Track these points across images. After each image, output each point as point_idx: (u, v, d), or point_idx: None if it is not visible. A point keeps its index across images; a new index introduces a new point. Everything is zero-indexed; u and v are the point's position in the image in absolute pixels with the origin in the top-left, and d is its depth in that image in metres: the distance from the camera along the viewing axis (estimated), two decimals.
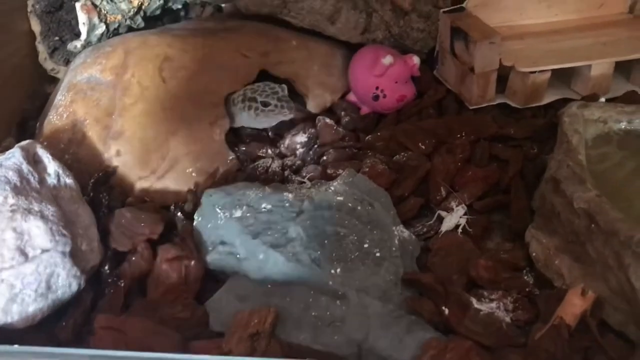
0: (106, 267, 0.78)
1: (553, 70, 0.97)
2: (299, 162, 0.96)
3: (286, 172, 0.94)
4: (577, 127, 0.83)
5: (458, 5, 1.01)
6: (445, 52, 1.03)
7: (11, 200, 0.71)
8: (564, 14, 1.06)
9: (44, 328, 0.72)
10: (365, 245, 0.76)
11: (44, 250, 0.71)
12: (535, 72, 0.96)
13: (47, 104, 1.02)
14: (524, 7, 1.05)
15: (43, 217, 0.72)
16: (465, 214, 0.84)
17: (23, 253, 0.69)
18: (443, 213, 0.85)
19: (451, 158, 0.91)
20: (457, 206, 0.85)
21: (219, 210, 0.81)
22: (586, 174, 0.76)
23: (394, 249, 0.77)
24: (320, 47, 1.05)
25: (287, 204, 0.81)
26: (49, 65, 1.12)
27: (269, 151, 0.97)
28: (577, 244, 0.74)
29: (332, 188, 0.84)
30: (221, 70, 0.95)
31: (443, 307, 0.70)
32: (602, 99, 0.95)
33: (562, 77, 1.00)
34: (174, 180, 0.90)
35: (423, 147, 0.93)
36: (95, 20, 1.04)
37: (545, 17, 1.06)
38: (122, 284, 0.76)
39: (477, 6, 1.01)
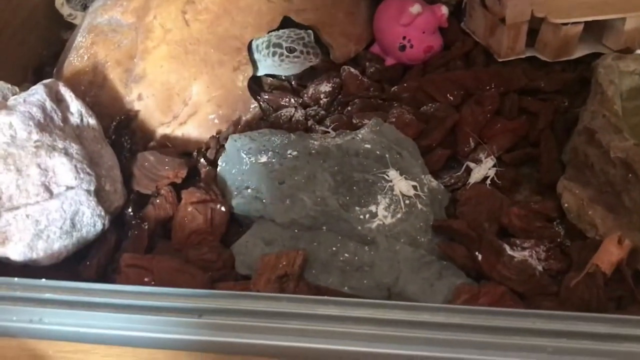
0: (129, 210, 0.77)
1: (585, 24, 0.94)
2: (322, 112, 0.94)
3: (310, 122, 0.92)
4: (612, 77, 0.81)
5: None
6: (474, 3, 1.00)
7: (35, 136, 0.69)
8: None
9: (67, 267, 0.71)
10: (394, 192, 0.75)
11: (68, 188, 0.69)
12: (567, 24, 0.93)
13: (64, 49, 1.00)
14: None
15: (67, 154, 0.70)
16: (494, 165, 0.82)
17: (48, 189, 0.68)
18: (471, 164, 0.83)
19: (480, 109, 0.88)
20: (485, 158, 0.83)
21: (244, 155, 0.80)
22: (622, 123, 0.74)
23: (423, 196, 0.75)
24: None
25: (313, 151, 0.80)
26: (65, 10, 1.10)
27: (292, 100, 0.95)
28: (612, 194, 0.72)
29: (360, 136, 0.82)
30: (245, 14, 0.92)
31: (476, 253, 0.68)
32: (638, 52, 0.92)
33: (594, 31, 0.97)
34: (196, 126, 0.89)
35: (451, 98, 0.91)
36: None
37: None
38: (146, 226, 0.75)
39: None
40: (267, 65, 0.94)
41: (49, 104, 0.73)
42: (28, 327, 0.57)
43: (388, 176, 0.76)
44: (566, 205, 0.76)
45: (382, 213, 0.73)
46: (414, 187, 0.75)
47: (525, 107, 0.91)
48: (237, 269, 0.71)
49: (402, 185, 0.75)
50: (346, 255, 0.70)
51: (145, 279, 0.66)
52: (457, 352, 0.51)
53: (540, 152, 0.85)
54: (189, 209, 0.75)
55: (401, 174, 0.76)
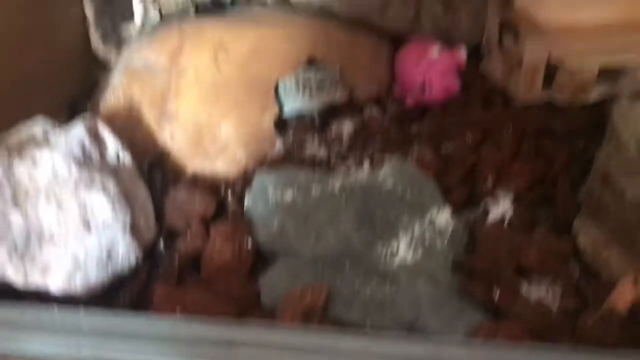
0: (161, 244, 0.81)
1: (601, 68, 0.97)
2: (345, 150, 0.97)
3: (332, 160, 0.95)
4: (627, 121, 0.83)
5: (507, 0, 1.02)
6: (492, 46, 1.03)
7: (75, 173, 0.73)
8: (615, 10, 1.06)
9: (101, 300, 0.74)
10: (416, 230, 0.78)
11: (105, 223, 0.73)
12: (584, 68, 0.96)
13: (100, 87, 1.05)
14: (574, 3, 1.05)
15: (105, 190, 0.74)
16: (511, 205, 0.85)
17: (86, 224, 0.72)
18: (490, 204, 0.86)
19: (498, 151, 0.91)
20: (503, 197, 0.86)
21: (270, 192, 0.83)
22: (637, 166, 0.77)
23: (443, 235, 0.78)
24: (367, 39, 1.07)
25: (337, 187, 0.83)
26: (100, 49, 1.14)
27: (316, 138, 0.98)
28: (626, 235, 0.74)
29: (382, 174, 0.85)
30: (273, 57, 0.96)
31: (494, 291, 0.71)
32: None
33: (610, 74, 1.00)
34: (225, 163, 0.93)
35: (469, 139, 0.94)
36: (150, 6, 1.06)
37: (595, 13, 1.05)
38: (177, 260, 0.79)
39: (526, 1, 1.01)
40: (295, 102, 0.98)
41: (88, 142, 0.77)
42: (66, 356, 0.60)
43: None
44: (581, 245, 0.78)
45: (403, 251, 0.76)
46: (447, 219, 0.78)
47: (542, 148, 0.93)
48: (263, 303, 0.74)
49: (441, 218, 0.78)
50: (368, 291, 0.73)
51: (177, 311, 0.69)
52: None
53: (556, 192, 0.88)
54: (217, 244, 0.78)
55: (422, 213, 0.79)
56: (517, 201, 0.86)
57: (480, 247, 0.79)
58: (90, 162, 0.76)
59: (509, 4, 1.01)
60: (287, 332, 0.57)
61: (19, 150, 0.73)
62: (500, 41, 1.00)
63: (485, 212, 0.86)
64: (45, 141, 0.76)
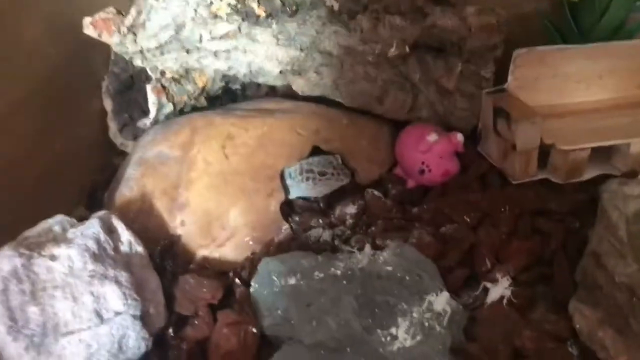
0: (170, 330, 0.84)
1: (593, 148, 1.01)
2: (348, 232, 1.01)
3: (336, 242, 0.99)
4: (616, 203, 0.86)
5: (500, 87, 1.08)
6: (487, 130, 1.08)
7: (90, 267, 0.78)
8: (603, 93, 1.11)
9: None
10: (414, 315, 0.80)
11: (117, 313, 0.77)
12: (575, 150, 1.00)
13: (116, 176, 1.11)
14: (563, 88, 1.10)
15: (117, 282, 0.79)
16: (509, 285, 0.87)
17: (99, 315, 0.76)
18: (488, 284, 0.88)
19: (495, 231, 0.95)
20: (501, 277, 0.88)
21: (275, 278, 0.87)
22: (627, 249, 0.79)
23: (441, 318, 0.80)
24: (368, 124, 1.13)
25: (338, 273, 0.86)
26: (118, 140, 1.21)
27: (320, 221, 1.03)
28: (620, 316, 0.76)
29: (382, 258, 0.88)
30: (278, 147, 1.02)
31: None
32: None
33: (602, 153, 1.03)
34: (233, 248, 0.97)
35: (468, 219, 0.97)
36: (164, 100, 1.14)
37: (584, 97, 1.11)
38: (185, 347, 0.82)
39: (518, 87, 1.07)
40: (300, 189, 1.04)
41: (102, 236, 0.82)
42: None
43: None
44: (577, 326, 0.80)
45: (402, 335, 0.78)
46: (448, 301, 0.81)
47: (539, 228, 0.96)
48: None
49: (440, 301, 0.81)
50: None
51: None
52: None
53: (553, 271, 0.90)
54: (224, 330, 0.81)
55: (421, 296, 0.82)
56: (515, 281, 0.89)
57: (478, 329, 0.82)
58: (105, 254, 0.81)
59: (502, 90, 1.07)
60: None
61: (39, 245, 0.78)
62: (494, 125, 1.05)
63: (485, 292, 0.88)
64: (63, 237, 0.81)
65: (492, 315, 0.83)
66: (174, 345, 0.82)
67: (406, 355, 0.76)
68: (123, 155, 1.20)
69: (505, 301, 0.86)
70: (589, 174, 1.03)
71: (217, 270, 0.95)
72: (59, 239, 0.80)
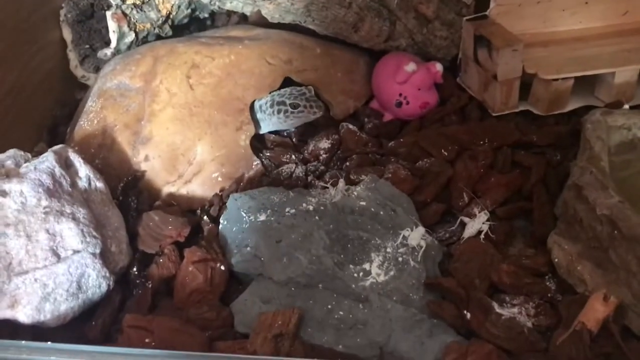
0: (134, 269, 0.81)
1: (576, 78, 0.97)
2: (322, 167, 0.97)
3: (309, 178, 0.95)
4: (599, 133, 0.83)
5: (481, 13, 1.02)
6: (468, 60, 1.03)
7: (45, 203, 0.73)
8: (588, 21, 1.06)
9: (73, 327, 0.74)
10: (388, 250, 0.77)
11: (75, 251, 0.73)
12: (558, 79, 0.96)
13: (77, 110, 1.05)
14: (548, 15, 1.05)
15: (75, 219, 0.74)
16: (487, 219, 0.84)
17: (55, 254, 0.72)
18: (465, 219, 0.85)
19: (474, 164, 0.91)
20: (479, 212, 0.86)
21: (244, 214, 0.83)
22: (609, 180, 0.77)
23: (416, 253, 0.77)
24: (343, 54, 1.07)
25: (310, 208, 0.83)
26: (79, 72, 1.15)
27: (293, 157, 0.98)
28: (599, 250, 0.74)
29: (355, 193, 0.85)
30: (247, 77, 0.96)
31: (465, 311, 0.70)
32: (626, 106, 0.95)
33: (586, 84, 1.00)
34: (200, 184, 0.92)
35: (445, 153, 0.94)
36: (125, 28, 1.07)
37: (568, 25, 1.06)
38: (150, 285, 0.78)
39: (500, 14, 1.02)
40: (271, 123, 0.98)
41: (58, 171, 0.77)
42: None
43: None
44: (556, 260, 0.78)
45: (375, 271, 0.75)
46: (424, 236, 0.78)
47: (519, 161, 0.93)
48: (236, 327, 0.74)
49: (414, 236, 0.78)
50: (341, 313, 0.72)
51: (146, 340, 0.69)
52: None
53: (533, 206, 0.87)
54: (190, 268, 0.78)
55: (395, 232, 0.79)
56: (493, 215, 0.86)
57: (455, 264, 0.79)
58: (61, 190, 0.76)
59: (483, 17, 1.01)
60: None
61: None
62: (475, 55, 1.00)
63: (462, 227, 0.85)
64: (16, 172, 0.76)
65: (468, 249, 0.81)
66: (139, 284, 0.79)
67: (379, 290, 0.73)
68: (85, 89, 1.14)
69: (482, 236, 0.83)
70: (571, 106, 0.99)
71: (184, 208, 0.91)
72: (11, 174, 0.75)
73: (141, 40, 1.09)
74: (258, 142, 1.00)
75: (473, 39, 1.00)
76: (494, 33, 0.97)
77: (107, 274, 0.75)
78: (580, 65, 0.97)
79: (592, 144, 0.82)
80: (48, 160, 0.77)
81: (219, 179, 0.93)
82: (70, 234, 0.73)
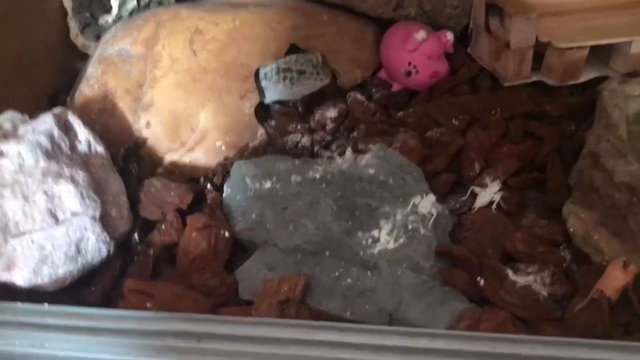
0: (136, 235, 0.78)
1: (591, 48, 0.94)
2: (328, 137, 0.94)
3: (316, 148, 0.93)
4: (617, 102, 0.80)
5: None
6: (479, 29, 1.00)
7: (43, 164, 0.71)
8: None
9: (73, 292, 0.72)
10: (398, 217, 0.75)
11: (74, 214, 0.71)
12: (572, 48, 0.93)
13: (77, 78, 1.02)
14: None
15: (74, 181, 0.72)
16: (499, 190, 0.82)
17: (53, 216, 0.69)
18: (477, 189, 0.83)
19: (485, 134, 0.88)
20: (491, 182, 0.83)
21: (248, 182, 0.80)
22: (627, 147, 0.74)
23: (427, 221, 0.75)
24: (351, 22, 1.04)
25: (317, 176, 0.80)
26: (80, 41, 1.12)
27: (299, 126, 0.95)
28: (617, 218, 0.72)
29: (363, 161, 0.82)
30: (252, 43, 0.94)
31: (478, 278, 0.68)
32: None
33: (600, 54, 0.97)
34: (204, 153, 0.90)
35: (456, 123, 0.91)
36: None
37: None
38: (152, 252, 0.76)
39: None
40: (277, 91, 0.96)
41: (57, 133, 0.74)
42: (30, 352, 0.57)
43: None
44: (572, 229, 0.75)
45: (384, 238, 0.73)
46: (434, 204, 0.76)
47: (532, 132, 0.90)
48: (240, 295, 0.72)
49: (425, 204, 0.76)
50: (348, 280, 0.70)
51: (147, 305, 0.66)
52: None
53: (546, 176, 0.85)
54: (193, 234, 0.75)
55: (405, 200, 0.77)
56: (505, 186, 0.83)
57: (466, 233, 0.76)
58: (60, 153, 0.74)
59: None
60: (253, 326, 0.54)
61: None
62: (487, 23, 0.97)
63: (473, 198, 0.83)
64: (13, 133, 0.73)
65: (480, 219, 0.78)
66: (140, 251, 0.77)
67: (388, 257, 0.71)
68: (86, 58, 1.11)
69: (494, 206, 0.81)
70: (585, 76, 0.96)
71: (187, 177, 0.89)
72: (9, 136, 0.73)
73: (143, 7, 1.06)
74: (263, 111, 0.97)
75: (485, 7, 0.97)
76: (506, 1, 0.94)
77: (107, 239, 0.72)
78: (595, 34, 0.94)
79: (609, 112, 0.79)
80: (47, 122, 0.75)
81: (223, 147, 0.90)
82: (69, 196, 0.70)
